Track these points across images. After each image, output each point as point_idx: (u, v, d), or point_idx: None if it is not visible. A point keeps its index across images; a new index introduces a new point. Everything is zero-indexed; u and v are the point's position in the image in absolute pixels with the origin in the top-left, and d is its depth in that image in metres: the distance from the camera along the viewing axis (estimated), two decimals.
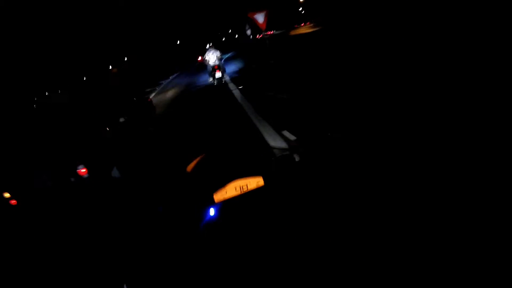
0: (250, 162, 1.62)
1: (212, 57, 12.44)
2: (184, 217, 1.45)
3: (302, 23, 45.94)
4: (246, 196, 1.34)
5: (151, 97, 14.01)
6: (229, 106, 8.49)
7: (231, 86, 11.75)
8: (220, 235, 1.27)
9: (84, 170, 4.38)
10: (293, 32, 32.53)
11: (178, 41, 50.75)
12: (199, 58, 30.29)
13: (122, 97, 7.93)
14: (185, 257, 1.29)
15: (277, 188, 1.35)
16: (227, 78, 13.68)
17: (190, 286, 1.19)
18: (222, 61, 13.29)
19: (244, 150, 1.94)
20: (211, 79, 12.96)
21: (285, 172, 1.49)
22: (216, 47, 12.95)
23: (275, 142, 4.47)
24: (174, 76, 28.63)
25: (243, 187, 1.34)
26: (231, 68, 17.71)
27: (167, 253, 1.36)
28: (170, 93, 16.66)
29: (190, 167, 1.84)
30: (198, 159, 1.93)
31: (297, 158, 1.60)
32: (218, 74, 12.56)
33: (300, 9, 54.46)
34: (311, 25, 36.68)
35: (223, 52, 15.05)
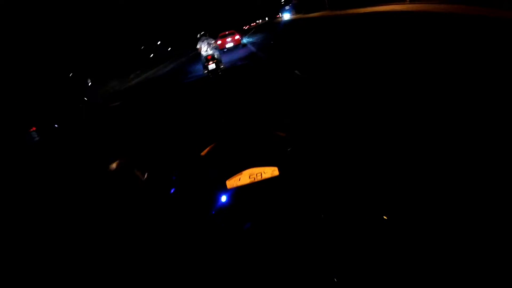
0: (264, 152, 1.60)
1: (204, 46, 11.31)
2: (196, 201, 1.45)
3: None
4: (259, 184, 1.34)
5: None
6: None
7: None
8: (231, 221, 1.28)
9: None
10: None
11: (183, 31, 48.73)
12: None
13: None
14: (196, 242, 1.30)
15: (291, 178, 1.36)
16: (223, 67, 12.20)
17: (200, 272, 1.20)
18: (217, 50, 11.82)
19: (258, 138, 1.91)
20: (205, 71, 11.66)
21: (300, 163, 1.49)
22: (210, 35, 11.77)
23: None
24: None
25: (258, 176, 1.35)
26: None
27: (178, 237, 1.36)
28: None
29: (204, 152, 1.80)
30: (212, 145, 1.88)
31: (309, 150, 1.60)
32: (211, 66, 11.32)
33: None
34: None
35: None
